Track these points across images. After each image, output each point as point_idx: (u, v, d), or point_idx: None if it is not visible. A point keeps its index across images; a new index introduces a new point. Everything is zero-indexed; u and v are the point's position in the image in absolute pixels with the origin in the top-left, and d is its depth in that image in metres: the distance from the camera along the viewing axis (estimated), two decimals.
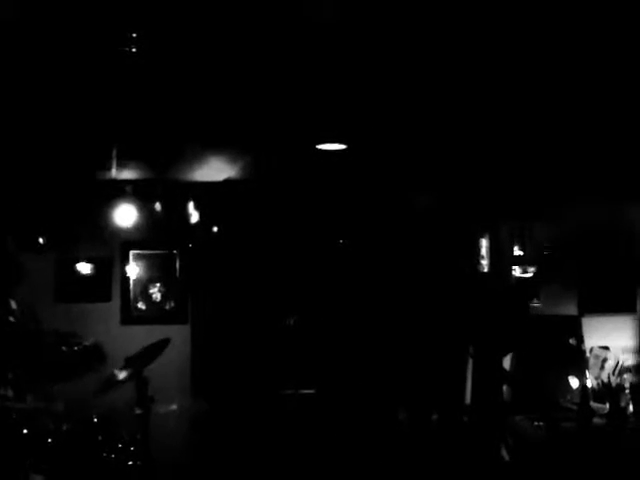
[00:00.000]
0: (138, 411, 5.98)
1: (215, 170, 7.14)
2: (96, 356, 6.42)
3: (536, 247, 7.73)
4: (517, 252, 7.76)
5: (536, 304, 7.67)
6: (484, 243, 7.86)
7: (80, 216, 7.70)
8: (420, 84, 4.78)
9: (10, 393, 5.76)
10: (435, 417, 7.38)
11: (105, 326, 7.77)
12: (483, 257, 7.85)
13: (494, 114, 5.41)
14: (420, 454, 7.22)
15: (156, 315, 8.10)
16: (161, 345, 6.32)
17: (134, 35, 4.03)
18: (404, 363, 7.71)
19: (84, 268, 8.00)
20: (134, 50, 4.15)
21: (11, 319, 6.11)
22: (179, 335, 7.73)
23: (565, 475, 6.32)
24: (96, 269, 8.01)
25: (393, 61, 4.40)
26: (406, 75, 4.63)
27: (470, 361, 7.53)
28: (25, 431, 5.53)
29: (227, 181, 7.51)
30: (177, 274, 8.16)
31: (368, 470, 7.19)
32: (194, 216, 7.77)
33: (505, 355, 7.36)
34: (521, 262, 7.69)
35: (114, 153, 6.34)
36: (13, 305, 6.16)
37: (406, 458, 7.24)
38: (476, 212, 7.72)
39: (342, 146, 6.15)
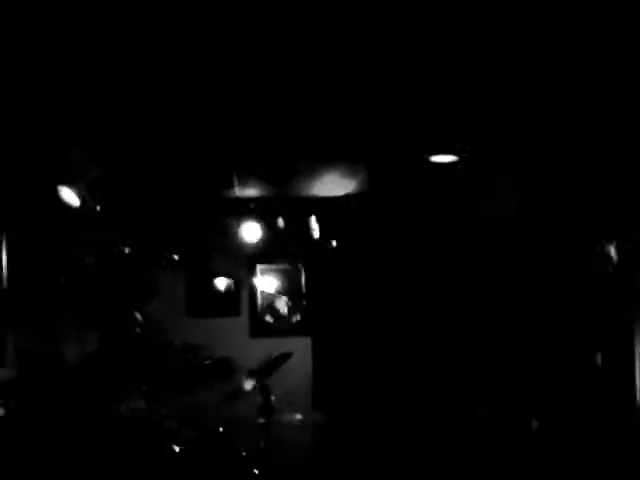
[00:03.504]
0: (261, 420, 6.12)
1: (333, 185, 7.27)
2: (225, 368, 6.60)
3: None
4: None
5: None
6: (613, 247, 7.68)
7: (209, 234, 7.94)
8: (532, 88, 4.79)
9: (143, 404, 5.98)
10: (535, 424, 7.26)
11: (235, 339, 7.97)
12: (613, 261, 7.67)
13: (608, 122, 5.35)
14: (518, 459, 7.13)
15: (283, 328, 8.28)
16: (282, 359, 6.45)
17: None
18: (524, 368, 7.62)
19: (214, 284, 8.26)
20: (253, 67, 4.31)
21: (137, 330, 6.33)
22: (305, 348, 7.89)
23: None
24: (225, 284, 8.26)
25: (506, 71, 4.44)
26: (517, 82, 4.66)
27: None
28: (155, 439, 5.75)
29: (347, 196, 7.63)
30: (302, 288, 8.33)
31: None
32: (316, 231, 7.90)
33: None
34: None
35: (236, 173, 6.56)
36: (139, 317, 6.39)
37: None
38: (606, 216, 7.56)
39: (454, 158, 6.17)
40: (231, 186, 7.02)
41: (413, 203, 7.73)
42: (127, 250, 7.60)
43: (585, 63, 4.32)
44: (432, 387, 7.76)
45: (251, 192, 7.55)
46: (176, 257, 7.95)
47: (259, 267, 8.29)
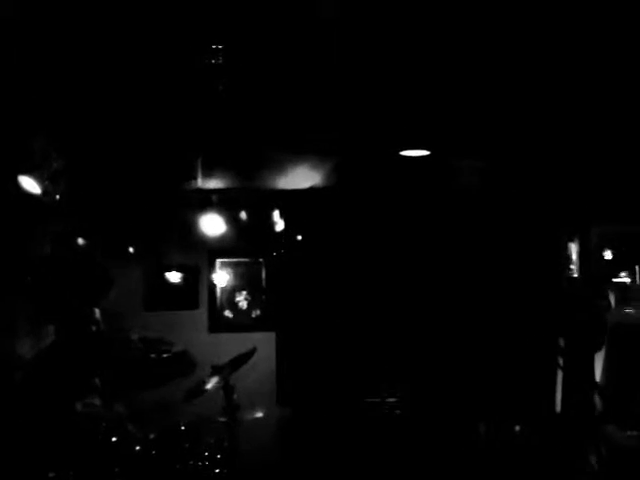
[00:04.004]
0: (222, 419, 6.00)
1: (299, 178, 7.16)
2: (185, 363, 6.46)
3: (628, 251, 7.53)
4: (607, 256, 7.59)
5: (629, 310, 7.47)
6: (574, 247, 7.70)
7: (167, 225, 7.80)
8: (505, 85, 4.73)
9: (98, 401, 5.83)
10: (518, 428, 7.25)
11: (193, 334, 7.85)
12: (572, 262, 7.69)
13: (585, 113, 5.31)
14: (499, 465, 7.10)
15: (243, 323, 8.17)
16: (246, 355, 6.34)
17: (217, 47, 4.08)
18: (486, 372, 7.60)
19: (172, 277, 8.11)
20: (218, 61, 4.20)
21: (93, 328, 6.18)
22: (265, 343, 7.77)
23: None
24: (184, 277, 8.11)
25: (481, 66, 4.37)
26: (489, 77, 4.59)
27: (560, 371, 7.38)
28: (113, 439, 5.60)
29: (312, 189, 7.52)
30: (263, 282, 8.20)
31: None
32: (279, 224, 7.80)
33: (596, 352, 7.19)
34: (611, 267, 7.51)
35: (199, 163, 6.41)
36: (97, 314, 6.24)
37: (485, 469, 7.14)
38: (565, 215, 7.58)
39: (426, 152, 6.10)
40: (193, 177, 6.87)
41: (379, 197, 7.67)
42: (82, 241, 7.45)
43: (554, 53, 4.25)
44: (400, 379, 7.71)
45: (214, 183, 7.39)
46: (131, 249, 7.81)
47: (219, 260, 8.17)
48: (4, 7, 3.54)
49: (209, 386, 6.17)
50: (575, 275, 7.61)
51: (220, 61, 4.24)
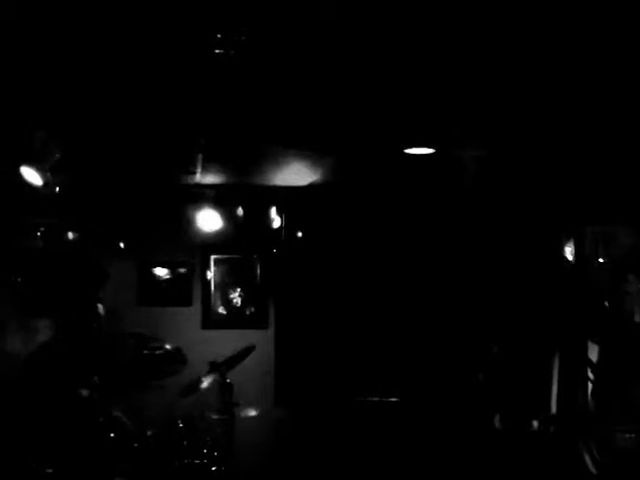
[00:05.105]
0: (215, 416, 5.99)
1: (298, 175, 7.11)
2: (178, 360, 6.42)
3: (621, 252, 7.52)
4: (601, 258, 7.59)
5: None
6: (569, 248, 7.70)
7: (163, 220, 7.73)
8: (505, 85, 4.72)
9: (97, 396, 5.78)
10: (535, 425, 7.26)
11: (186, 330, 7.80)
12: (568, 261, 7.69)
13: (583, 115, 5.31)
14: (514, 461, 7.09)
15: (236, 320, 8.11)
16: (246, 352, 6.31)
17: (220, 37, 4.03)
18: (498, 368, 7.61)
19: (166, 272, 8.04)
20: (219, 52, 4.15)
21: (94, 324, 6.14)
22: (259, 340, 7.71)
23: None
24: (178, 273, 8.05)
25: (480, 67, 4.35)
26: (489, 78, 4.58)
27: (555, 370, 7.38)
28: (112, 435, 5.56)
29: (310, 186, 7.48)
30: (257, 279, 8.15)
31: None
32: (276, 221, 7.76)
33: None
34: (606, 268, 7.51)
35: (198, 157, 6.36)
36: (100, 309, 6.19)
37: (499, 465, 7.13)
38: (562, 216, 7.58)
39: (430, 150, 6.07)
40: (192, 172, 6.82)
41: (378, 194, 7.64)
42: (75, 235, 7.39)
43: (551, 55, 4.24)
44: (398, 378, 7.69)
45: (211, 179, 7.33)
46: (122, 244, 7.75)
47: (213, 257, 8.10)
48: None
49: (205, 384, 6.15)
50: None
51: (223, 52, 4.20)
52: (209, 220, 7.53)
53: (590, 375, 7.22)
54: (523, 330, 7.51)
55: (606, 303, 7.25)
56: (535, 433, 7.25)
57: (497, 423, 7.48)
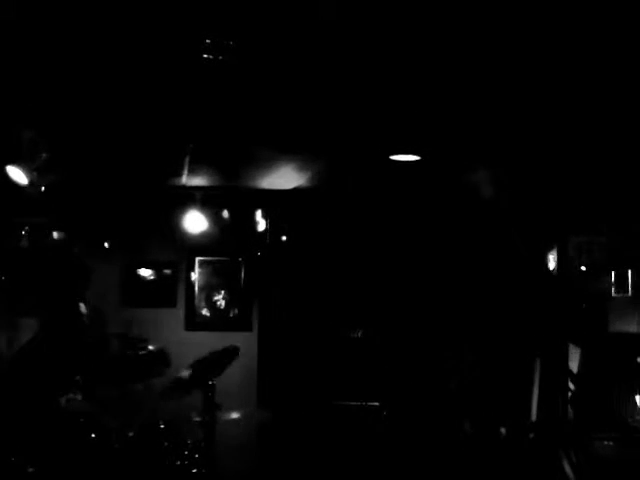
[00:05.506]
0: (197, 418, 5.97)
1: (284, 178, 7.13)
2: (162, 361, 6.41)
3: (601, 261, 7.56)
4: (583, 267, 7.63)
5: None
6: (552, 257, 7.74)
7: (148, 222, 7.74)
8: (493, 95, 4.75)
9: (79, 396, 5.78)
10: (503, 431, 7.28)
11: (169, 331, 7.80)
12: (551, 270, 7.72)
13: (570, 128, 5.34)
14: (485, 468, 7.12)
15: (220, 322, 8.13)
16: (230, 353, 6.28)
17: (209, 42, 4.04)
18: (471, 375, 7.63)
19: (150, 273, 8.05)
20: (208, 57, 4.17)
21: (79, 323, 6.13)
22: (243, 342, 7.71)
23: None
24: (162, 274, 8.06)
25: (469, 73, 4.37)
26: (481, 87, 4.60)
27: (536, 378, 7.41)
28: (92, 435, 5.55)
29: (296, 189, 7.50)
30: (242, 282, 8.16)
31: None
32: (261, 224, 7.78)
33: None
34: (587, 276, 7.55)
35: (186, 160, 6.37)
36: (83, 309, 6.19)
37: (471, 471, 7.15)
38: (545, 225, 7.61)
39: (416, 157, 6.09)
40: (179, 174, 6.83)
41: (363, 199, 7.66)
42: (60, 235, 7.39)
43: (544, 66, 4.28)
44: (378, 383, 7.71)
45: (198, 181, 7.34)
46: (107, 244, 7.75)
47: (198, 259, 8.12)
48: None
49: (185, 375, 6.09)
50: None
51: (212, 57, 4.21)
52: (194, 222, 7.54)
53: (570, 384, 7.27)
54: (502, 337, 7.54)
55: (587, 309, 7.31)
56: (504, 440, 7.29)
57: (467, 428, 7.52)
